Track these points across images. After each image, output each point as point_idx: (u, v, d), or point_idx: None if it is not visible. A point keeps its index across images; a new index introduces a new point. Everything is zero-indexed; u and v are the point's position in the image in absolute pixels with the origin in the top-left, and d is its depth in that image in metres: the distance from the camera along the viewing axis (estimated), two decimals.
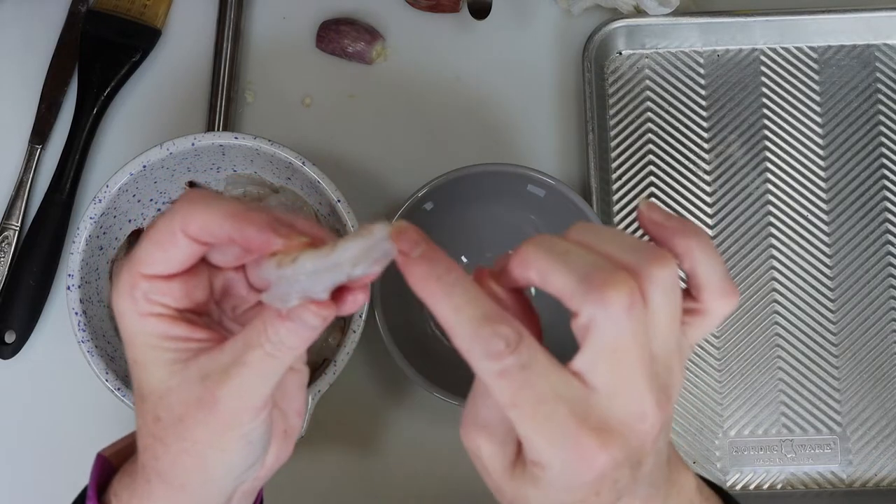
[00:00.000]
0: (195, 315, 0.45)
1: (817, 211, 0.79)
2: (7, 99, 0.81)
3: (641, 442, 0.39)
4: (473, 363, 0.39)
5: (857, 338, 0.77)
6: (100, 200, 0.69)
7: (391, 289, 0.70)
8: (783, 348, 0.77)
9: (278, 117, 0.81)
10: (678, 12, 0.79)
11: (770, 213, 0.79)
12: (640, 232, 0.77)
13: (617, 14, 0.81)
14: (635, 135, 0.80)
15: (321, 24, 0.82)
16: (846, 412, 0.76)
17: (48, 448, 0.76)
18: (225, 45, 0.81)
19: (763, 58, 0.81)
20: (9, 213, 0.78)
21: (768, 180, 0.79)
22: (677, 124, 0.80)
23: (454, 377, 0.66)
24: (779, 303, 0.77)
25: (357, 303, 0.42)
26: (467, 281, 0.40)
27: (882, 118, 0.80)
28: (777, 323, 0.77)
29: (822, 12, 0.80)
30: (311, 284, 0.40)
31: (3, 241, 0.78)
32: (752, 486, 0.75)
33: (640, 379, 0.39)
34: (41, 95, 0.81)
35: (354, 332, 0.69)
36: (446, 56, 0.82)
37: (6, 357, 0.77)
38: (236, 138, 0.70)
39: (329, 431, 0.76)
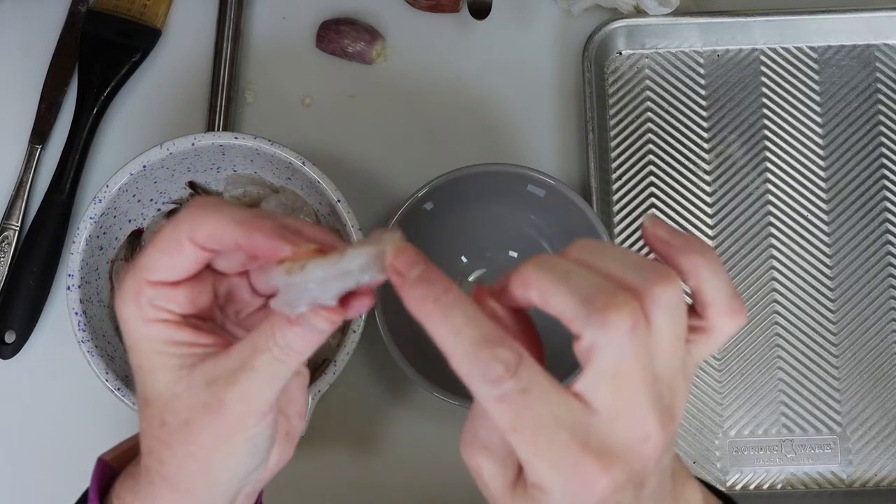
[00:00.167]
0: (200, 320, 0.45)
1: (817, 211, 0.79)
2: (7, 99, 0.81)
3: (644, 463, 0.39)
4: (472, 387, 0.38)
5: (857, 338, 0.77)
6: (100, 200, 0.69)
7: (392, 289, 0.70)
8: (783, 348, 0.77)
9: (278, 117, 0.81)
10: (678, 12, 0.79)
11: (770, 213, 0.79)
12: (640, 231, 0.76)
13: (617, 14, 0.81)
14: (635, 135, 0.80)
15: (321, 24, 0.81)
16: (846, 412, 0.76)
17: (48, 448, 0.76)
18: (225, 45, 0.81)
19: (763, 58, 0.81)
20: (9, 213, 0.78)
21: (768, 180, 0.79)
22: (677, 124, 0.80)
23: (454, 377, 0.65)
24: (779, 303, 0.77)
25: (363, 307, 0.42)
26: (465, 301, 0.39)
27: (882, 118, 0.80)
28: (777, 323, 0.77)
29: (822, 12, 0.80)
30: (320, 292, 0.40)
31: (3, 241, 0.78)
32: (752, 486, 0.75)
33: (642, 401, 0.38)
34: (41, 95, 0.81)
35: (354, 332, 0.69)
36: (446, 56, 0.82)
37: (6, 357, 0.77)
38: (236, 138, 0.70)
39: (329, 431, 0.76)
